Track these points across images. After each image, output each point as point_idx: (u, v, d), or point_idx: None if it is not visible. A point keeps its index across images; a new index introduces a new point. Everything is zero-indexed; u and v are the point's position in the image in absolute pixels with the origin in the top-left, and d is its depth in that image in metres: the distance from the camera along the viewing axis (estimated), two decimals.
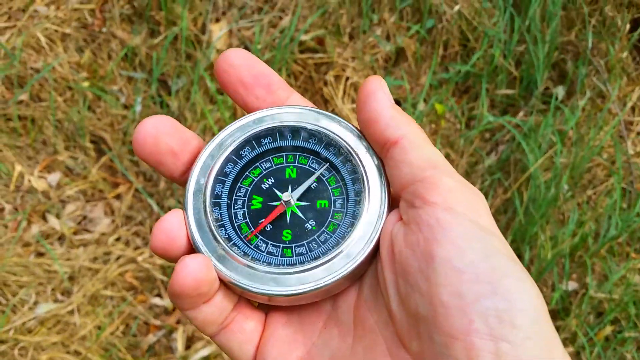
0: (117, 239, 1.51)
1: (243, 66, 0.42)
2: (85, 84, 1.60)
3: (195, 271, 0.37)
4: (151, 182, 1.59)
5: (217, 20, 1.66)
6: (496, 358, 0.32)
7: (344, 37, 1.63)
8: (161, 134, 0.41)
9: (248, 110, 0.44)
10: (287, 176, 0.44)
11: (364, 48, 1.62)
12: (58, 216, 1.51)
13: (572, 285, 1.47)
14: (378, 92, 0.40)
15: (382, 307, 0.39)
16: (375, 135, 0.40)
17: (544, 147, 1.55)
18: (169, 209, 1.55)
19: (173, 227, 0.40)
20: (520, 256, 1.41)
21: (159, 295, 1.46)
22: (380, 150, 0.41)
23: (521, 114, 1.69)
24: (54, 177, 1.55)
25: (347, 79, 1.61)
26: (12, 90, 1.58)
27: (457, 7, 1.59)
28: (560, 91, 1.71)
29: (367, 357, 0.38)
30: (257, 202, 0.43)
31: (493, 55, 1.61)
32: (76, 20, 1.64)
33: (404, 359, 0.37)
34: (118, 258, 1.48)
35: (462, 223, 0.36)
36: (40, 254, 1.47)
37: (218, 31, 1.61)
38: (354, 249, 0.40)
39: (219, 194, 0.43)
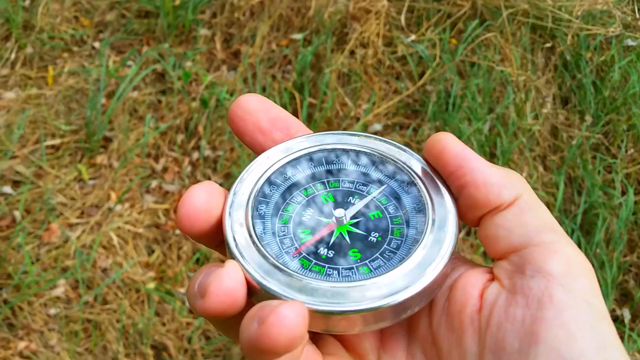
0: None
1: (259, 111, 0.40)
2: (152, 284, 1.57)
3: (292, 325, 0.30)
4: None
5: None
6: None
7: None
8: (213, 207, 0.36)
9: None
10: (325, 202, 0.40)
11: None
12: None
13: None
14: (467, 149, 0.36)
15: None
16: (479, 198, 0.35)
17: None
18: None
19: (236, 283, 0.33)
20: None
21: None
22: (484, 210, 0.36)
23: None
24: None
25: None
26: (77, 290, 1.55)
27: None
28: (626, 314, 1.69)
29: None
30: (305, 235, 0.38)
31: None
32: (149, 219, 1.65)
33: None
34: None
35: (577, 305, 0.32)
36: None
37: None
38: (435, 246, 0.35)
39: (262, 234, 0.38)
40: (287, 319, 0.30)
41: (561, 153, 1.87)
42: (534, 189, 1.74)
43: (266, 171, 0.39)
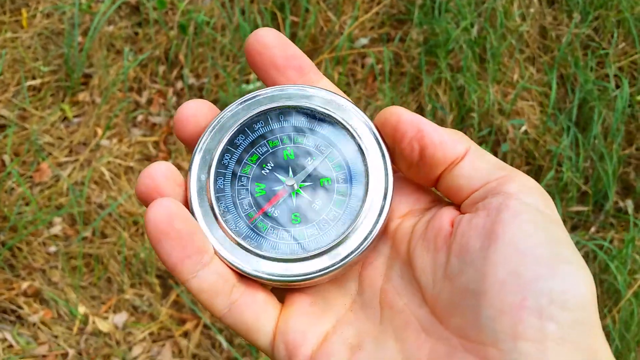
0: None
1: (276, 47, 0.42)
2: None
3: (168, 207, 0.37)
4: None
5: None
6: (540, 335, 0.33)
7: None
8: (202, 114, 0.42)
9: None
10: (285, 158, 0.43)
11: None
12: None
13: None
14: (419, 116, 0.41)
15: (416, 291, 0.39)
16: (437, 156, 0.40)
17: (628, 265, 1.51)
18: (240, 345, 1.46)
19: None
20: None
21: None
22: (443, 167, 0.40)
23: (593, 229, 1.66)
24: (120, 318, 1.47)
25: None
26: (74, 227, 1.53)
27: (523, 128, 1.60)
28: (629, 205, 1.69)
29: (397, 334, 0.39)
30: (260, 190, 0.43)
31: (562, 173, 1.60)
32: (139, 152, 1.62)
33: (441, 333, 0.37)
34: None
35: (530, 211, 0.36)
36: None
37: None
38: (367, 223, 0.41)
39: (222, 187, 0.42)
40: (161, 204, 0.38)
41: (552, 53, 1.83)
42: (527, 90, 1.72)
43: (225, 135, 0.42)
